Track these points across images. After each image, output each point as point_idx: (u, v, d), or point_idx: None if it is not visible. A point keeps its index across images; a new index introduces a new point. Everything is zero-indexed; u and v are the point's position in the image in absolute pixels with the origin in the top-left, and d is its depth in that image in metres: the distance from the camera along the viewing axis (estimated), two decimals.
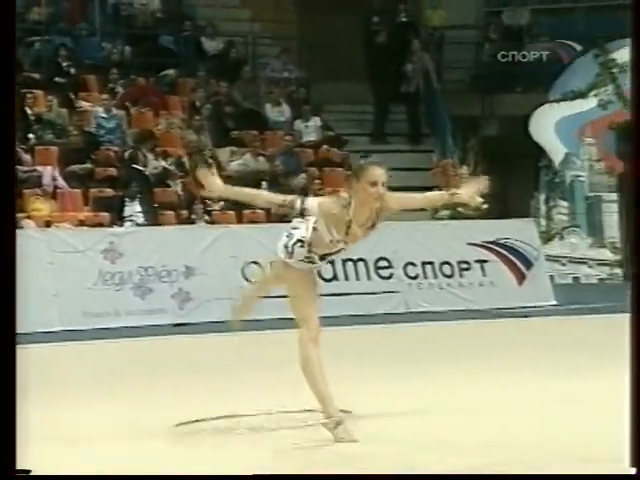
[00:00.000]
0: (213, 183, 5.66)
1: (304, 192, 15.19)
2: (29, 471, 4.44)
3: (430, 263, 13.32)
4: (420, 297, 13.12)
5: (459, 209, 14.98)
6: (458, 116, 18.18)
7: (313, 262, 5.86)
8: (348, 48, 18.95)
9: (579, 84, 17.39)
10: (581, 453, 5.36)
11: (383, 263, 13.14)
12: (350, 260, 12.95)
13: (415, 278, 13.22)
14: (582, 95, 17.32)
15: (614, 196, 17.28)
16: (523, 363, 8.68)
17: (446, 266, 13.39)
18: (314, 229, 5.73)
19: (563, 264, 17.01)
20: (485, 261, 13.52)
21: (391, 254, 13.12)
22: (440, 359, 9.12)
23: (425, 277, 13.28)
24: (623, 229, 17.18)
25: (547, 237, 16.86)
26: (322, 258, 5.86)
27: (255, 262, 12.52)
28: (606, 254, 17.06)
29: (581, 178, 17.37)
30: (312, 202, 5.74)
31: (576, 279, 17.02)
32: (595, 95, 17.30)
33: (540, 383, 7.57)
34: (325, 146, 17.32)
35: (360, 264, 13.03)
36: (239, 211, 14.88)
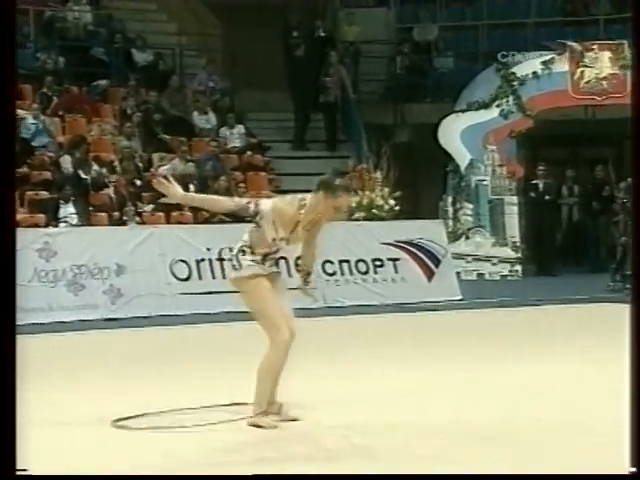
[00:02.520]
0: (172, 191, 5.57)
1: (228, 193, 15.18)
2: (24, 470, 4.25)
3: (346, 261, 13.37)
4: (337, 293, 13.15)
5: (374, 211, 15.05)
6: (372, 124, 18.28)
7: (258, 263, 5.67)
8: (270, 60, 18.96)
9: (482, 95, 17.57)
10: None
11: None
12: None
13: (333, 275, 13.25)
14: (485, 105, 17.50)
15: (515, 199, 17.49)
16: (433, 351, 8.78)
17: (361, 263, 13.44)
18: (256, 227, 5.61)
19: (468, 261, 17.17)
20: (397, 259, 13.60)
21: None
22: (356, 349, 9.17)
23: (342, 274, 13.32)
24: (522, 229, 17.41)
25: (454, 237, 17.02)
26: (264, 259, 5.72)
27: (182, 260, 12.49)
28: (507, 252, 17.26)
29: (485, 182, 17.55)
30: (265, 205, 5.58)
31: (480, 275, 17.18)
32: (497, 106, 17.49)
33: (452, 370, 7.67)
34: (249, 152, 17.32)
35: (281, 262, 12.98)
36: (167, 213, 14.80)
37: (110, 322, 11.61)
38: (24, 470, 4.22)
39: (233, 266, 5.71)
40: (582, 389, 6.89)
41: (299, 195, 5.63)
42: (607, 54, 17.22)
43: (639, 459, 4.04)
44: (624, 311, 12.36)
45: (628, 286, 14.11)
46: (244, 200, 5.64)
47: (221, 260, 12.68)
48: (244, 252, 5.66)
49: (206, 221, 14.20)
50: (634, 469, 4.07)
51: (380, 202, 15.06)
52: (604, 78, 17.22)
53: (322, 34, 19.13)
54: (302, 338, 10.01)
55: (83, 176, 14.77)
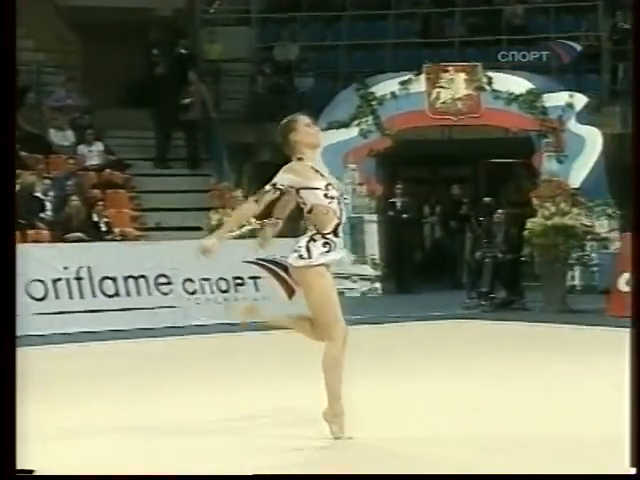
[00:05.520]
0: (215, 245, 5.67)
1: (81, 213, 14.94)
2: (32, 471, 4.18)
3: (207, 279, 13.29)
4: (198, 311, 13.06)
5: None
6: (234, 143, 18.27)
7: (331, 245, 5.72)
8: (130, 78, 18.78)
9: (342, 115, 17.74)
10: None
11: (163, 279, 13.02)
12: (131, 277, 12.78)
13: (193, 293, 13.16)
14: (345, 125, 17.66)
15: (374, 217, 17.67)
16: (296, 370, 8.80)
17: (222, 282, 13.38)
18: (312, 212, 5.64)
19: None
20: (258, 277, 13.59)
21: (170, 271, 13.02)
22: (215, 368, 9.12)
23: (203, 292, 13.24)
24: (382, 247, 17.63)
25: None
26: (335, 234, 5.73)
27: (38, 280, 12.20)
28: (367, 270, 17.43)
29: (345, 200, 17.68)
30: (280, 176, 5.67)
31: (341, 293, 17.25)
32: (357, 125, 17.68)
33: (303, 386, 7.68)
34: (108, 169, 17.11)
35: (141, 280, 12.86)
36: (23, 231, 14.44)
37: None
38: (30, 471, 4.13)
39: (300, 255, 5.68)
40: (450, 404, 7.00)
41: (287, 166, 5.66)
42: (462, 75, 17.63)
43: (639, 459, 4.08)
44: (479, 327, 12.65)
45: (483, 303, 14.44)
46: (260, 191, 5.65)
47: (79, 279, 12.47)
48: (314, 240, 5.67)
49: (63, 240, 13.92)
50: (634, 469, 4.10)
51: None
52: (459, 99, 17.63)
53: (183, 52, 19.06)
54: (165, 356, 9.89)
55: None
